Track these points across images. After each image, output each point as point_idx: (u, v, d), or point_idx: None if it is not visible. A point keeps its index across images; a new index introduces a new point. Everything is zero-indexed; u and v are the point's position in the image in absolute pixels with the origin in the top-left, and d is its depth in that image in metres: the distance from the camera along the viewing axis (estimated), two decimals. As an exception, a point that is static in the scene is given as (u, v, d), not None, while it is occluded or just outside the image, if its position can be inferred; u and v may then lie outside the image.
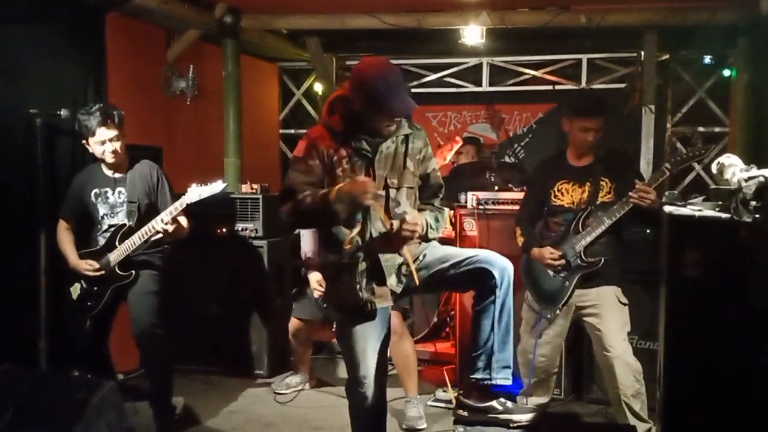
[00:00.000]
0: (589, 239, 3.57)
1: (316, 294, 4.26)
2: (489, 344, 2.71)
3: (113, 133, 3.74)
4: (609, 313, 3.60)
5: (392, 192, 2.79)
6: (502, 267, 2.70)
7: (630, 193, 3.43)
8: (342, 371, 2.91)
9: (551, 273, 3.67)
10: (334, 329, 4.48)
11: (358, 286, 2.71)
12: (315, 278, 4.24)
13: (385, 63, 2.72)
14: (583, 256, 3.59)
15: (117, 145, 3.77)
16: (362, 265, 2.73)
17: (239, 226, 5.12)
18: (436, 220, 2.91)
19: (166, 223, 3.66)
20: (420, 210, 2.89)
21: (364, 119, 2.70)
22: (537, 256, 3.70)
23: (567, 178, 3.72)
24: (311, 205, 2.66)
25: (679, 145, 6.14)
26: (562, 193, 3.71)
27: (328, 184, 2.72)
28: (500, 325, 2.70)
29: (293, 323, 4.66)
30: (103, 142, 3.74)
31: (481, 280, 2.71)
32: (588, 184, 3.66)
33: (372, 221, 2.75)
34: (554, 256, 3.62)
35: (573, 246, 3.60)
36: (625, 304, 3.65)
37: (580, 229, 3.61)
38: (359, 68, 2.72)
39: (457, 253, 2.86)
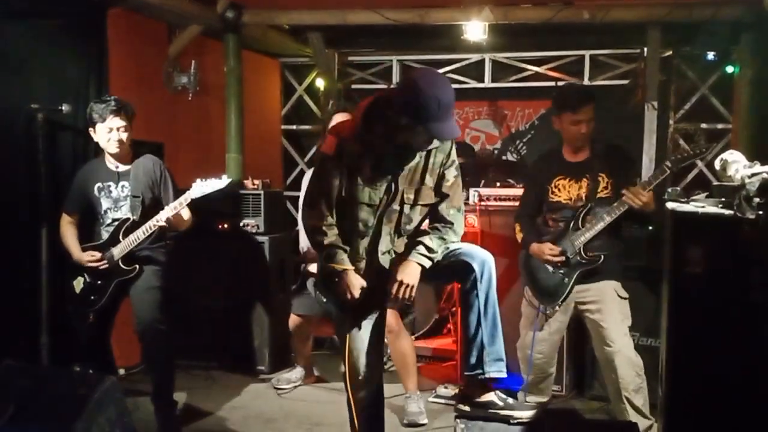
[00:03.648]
0: (588, 236, 3.56)
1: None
2: (478, 338, 2.71)
3: (123, 123, 3.77)
4: (609, 308, 3.60)
5: (406, 208, 2.77)
6: (482, 260, 2.68)
7: (623, 191, 3.43)
8: (342, 366, 2.91)
9: (550, 269, 3.67)
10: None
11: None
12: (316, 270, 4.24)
13: (443, 81, 2.59)
14: (582, 253, 3.58)
15: (124, 135, 3.80)
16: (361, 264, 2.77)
17: (241, 221, 5.12)
18: (441, 239, 2.77)
19: (166, 219, 3.67)
20: (425, 233, 2.81)
21: (403, 130, 2.58)
22: (536, 251, 3.69)
23: (564, 174, 3.69)
24: (318, 250, 2.81)
25: (681, 141, 6.12)
26: (559, 189, 3.70)
27: (346, 188, 2.71)
28: (486, 318, 2.69)
29: (293, 319, 4.66)
30: (111, 130, 3.77)
31: (463, 274, 2.71)
32: (585, 179, 3.64)
33: (382, 236, 2.77)
34: (554, 252, 3.62)
35: (573, 242, 3.59)
36: (624, 298, 3.65)
37: (580, 226, 3.60)
38: (417, 78, 2.57)
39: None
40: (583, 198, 3.64)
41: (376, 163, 2.70)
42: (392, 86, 2.81)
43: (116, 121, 3.76)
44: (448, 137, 2.66)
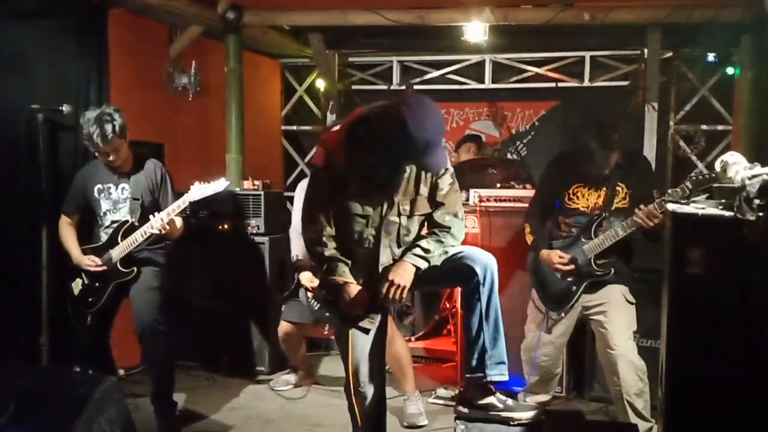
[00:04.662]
0: (601, 248, 3.53)
1: (309, 294, 4.25)
2: (480, 341, 2.70)
3: (114, 145, 3.73)
4: (615, 311, 3.58)
5: (403, 219, 2.75)
6: (484, 264, 2.67)
7: (636, 210, 3.40)
8: (341, 368, 2.91)
9: (559, 275, 3.64)
10: (326, 331, 4.47)
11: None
12: (306, 277, 4.23)
13: (433, 114, 2.51)
14: (593, 264, 3.56)
15: (120, 152, 3.78)
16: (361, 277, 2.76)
17: (241, 222, 5.11)
18: (438, 242, 2.75)
19: (166, 222, 3.66)
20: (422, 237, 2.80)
21: (389, 149, 2.55)
22: (546, 258, 3.66)
23: (583, 182, 3.63)
24: (318, 262, 2.79)
25: (682, 142, 6.12)
26: (577, 197, 3.65)
27: (337, 198, 2.69)
28: (488, 321, 2.68)
29: (282, 326, 4.58)
30: (106, 155, 3.76)
31: (465, 278, 2.70)
32: (604, 188, 3.59)
33: (383, 248, 2.75)
34: (564, 260, 3.59)
35: (584, 252, 3.56)
36: (632, 303, 3.63)
37: (593, 236, 3.56)
38: (407, 104, 2.48)
39: None
40: (600, 206, 3.60)
41: (365, 174, 2.67)
42: (377, 109, 2.66)
43: (108, 148, 3.72)
44: (434, 170, 2.63)
